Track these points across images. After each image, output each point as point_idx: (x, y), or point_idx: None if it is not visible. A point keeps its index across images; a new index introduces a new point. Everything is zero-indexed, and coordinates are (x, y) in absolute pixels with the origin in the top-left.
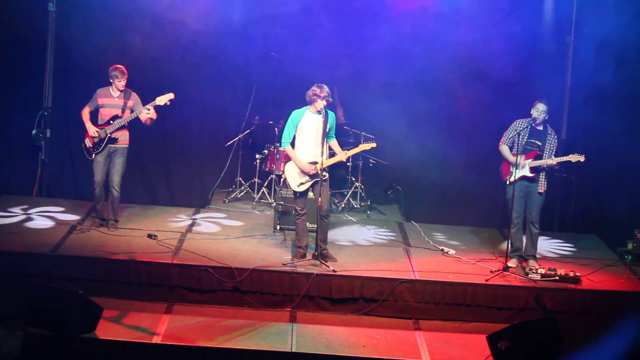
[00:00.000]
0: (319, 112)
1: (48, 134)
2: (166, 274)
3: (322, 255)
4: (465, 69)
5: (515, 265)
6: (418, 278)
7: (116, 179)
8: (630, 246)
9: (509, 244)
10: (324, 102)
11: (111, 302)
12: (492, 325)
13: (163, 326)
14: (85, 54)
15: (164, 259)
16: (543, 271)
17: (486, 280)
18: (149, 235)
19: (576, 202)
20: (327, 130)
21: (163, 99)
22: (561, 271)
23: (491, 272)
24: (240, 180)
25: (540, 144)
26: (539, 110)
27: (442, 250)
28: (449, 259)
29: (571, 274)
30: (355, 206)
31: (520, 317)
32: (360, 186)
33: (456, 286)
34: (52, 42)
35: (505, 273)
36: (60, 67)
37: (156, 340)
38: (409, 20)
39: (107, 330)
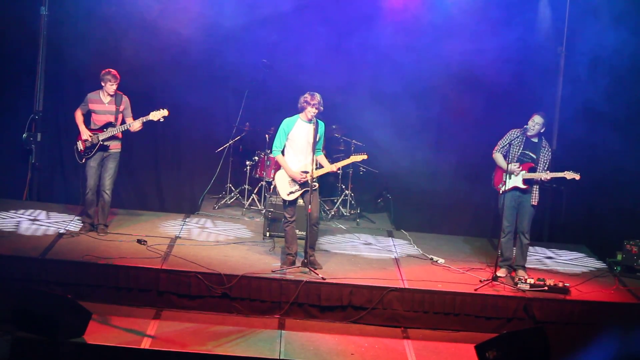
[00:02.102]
0: (309, 120)
1: (39, 138)
2: (155, 280)
3: (309, 262)
4: (457, 78)
5: (504, 275)
6: (407, 287)
7: (108, 183)
8: (619, 257)
9: (499, 253)
10: (314, 110)
11: (100, 307)
12: (481, 334)
13: (152, 331)
14: (76, 59)
15: (153, 265)
16: (532, 281)
17: (475, 290)
18: (139, 241)
19: (566, 213)
20: (317, 139)
21: (156, 115)
22: (550, 281)
23: (480, 281)
24: (230, 187)
25: (534, 156)
26: (534, 122)
27: (432, 259)
28: (438, 268)
29: (560, 285)
30: (345, 214)
31: (509, 327)
32: (351, 194)
33: (445, 295)
34: (43, 46)
35: (494, 283)
36: (51, 71)
37: (145, 345)
38: (402, 29)
39: (95, 335)
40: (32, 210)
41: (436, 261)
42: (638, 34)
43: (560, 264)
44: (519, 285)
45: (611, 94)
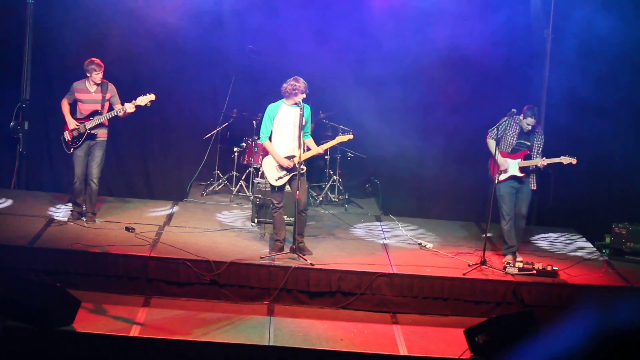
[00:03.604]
0: (296, 104)
1: (26, 127)
2: (144, 267)
3: (298, 249)
4: (445, 61)
5: (511, 262)
6: (396, 272)
7: (95, 171)
8: (608, 240)
9: (503, 242)
10: (304, 95)
11: (89, 295)
12: (470, 319)
13: (141, 319)
14: (63, 46)
15: (141, 252)
16: (521, 265)
17: (464, 274)
18: (127, 228)
19: (554, 196)
20: (303, 123)
21: (144, 100)
22: (539, 265)
23: (469, 265)
24: (218, 174)
25: (529, 143)
26: (528, 123)
27: (420, 244)
28: (426, 252)
29: (549, 268)
30: (333, 199)
31: (498, 311)
32: (338, 179)
33: (434, 280)
34: (30, 34)
35: (482, 267)
36: (38, 59)
37: (134, 333)
38: (389, 13)
39: (84, 323)
40: (20, 199)
41: (424, 246)
42: (625, 19)
43: (549, 248)
44: (507, 269)
45: (599, 77)
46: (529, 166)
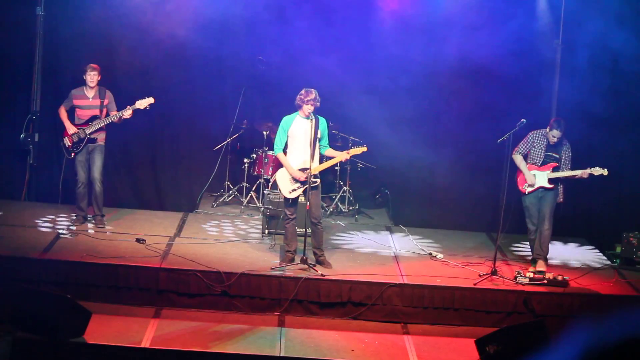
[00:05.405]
0: (307, 117)
1: (36, 138)
2: (154, 278)
3: (318, 262)
4: (456, 72)
5: (544, 268)
6: (406, 282)
7: (97, 175)
8: (618, 249)
9: (532, 252)
10: (310, 107)
11: (100, 307)
12: (481, 329)
13: (151, 330)
14: (73, 59)
15: (152, 263)
16: (531, 275)
17: (474, 284)
18: (138, 240)
19: (565, 205)
20: (319, 136)
21: (143, 103)
22: (549, 275)
23: (479, 275)
24: (228, 185)
25: (557, 156)
26: (553, 136)
27: (431, 254)
28: (437, 263)
29: (559, 278)
30: (343, 210)
31: (509, 321)
32: (349, 190)
33: (444, 290)
34: (40, 46)
35: (493, 277)
36: (48, 71)
37: (145, 344)
38: (399, 23)
39: (95, 335)
40: (30, 211)
41: (435, 256)
42: (636, 30)
43: (559, 257)
44: (518, 279)
45: (610, 90)
46: (559, 178)
